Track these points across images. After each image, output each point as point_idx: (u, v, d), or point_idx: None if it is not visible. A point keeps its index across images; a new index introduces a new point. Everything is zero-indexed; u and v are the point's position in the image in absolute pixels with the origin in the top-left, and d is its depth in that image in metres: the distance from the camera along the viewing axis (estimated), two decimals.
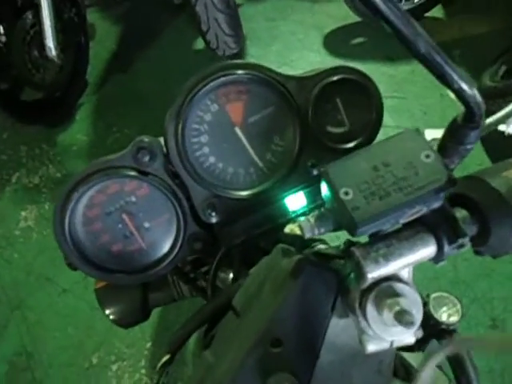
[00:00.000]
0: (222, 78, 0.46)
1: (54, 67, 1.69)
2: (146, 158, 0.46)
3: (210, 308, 0.41)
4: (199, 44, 2.11)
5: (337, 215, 0.30)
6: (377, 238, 0.30)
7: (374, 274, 0.28)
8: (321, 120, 0.48)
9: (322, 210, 0.32)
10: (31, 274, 1.48)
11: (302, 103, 0.48)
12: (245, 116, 0.49)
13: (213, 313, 0.40)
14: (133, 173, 0.46)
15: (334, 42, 2.14)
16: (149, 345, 1.33)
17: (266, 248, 0.50)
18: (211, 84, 0.46)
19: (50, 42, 1.54)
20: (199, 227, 0.50)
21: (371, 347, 0.30)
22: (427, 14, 2.15)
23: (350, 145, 0.49)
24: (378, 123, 0.49)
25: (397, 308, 0.27)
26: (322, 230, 0.31)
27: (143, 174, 0.47)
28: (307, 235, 0.31)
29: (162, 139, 0.48)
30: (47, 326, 1.38)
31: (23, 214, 1.62)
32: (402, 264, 0.29)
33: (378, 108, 0.48)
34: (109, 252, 0.48)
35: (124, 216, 0.47)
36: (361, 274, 0.28)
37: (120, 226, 0.48)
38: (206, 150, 0.49)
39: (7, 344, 1.36)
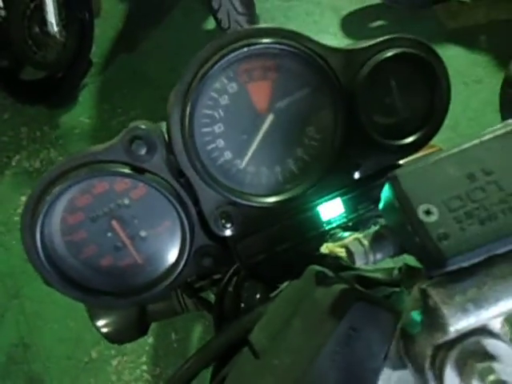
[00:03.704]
0: (245, 49, 0.36)
1: (56, 45, 1.59)
2: (142, 151, 0.36)
3: (220, 343, 0.32)
4: (209, 24, 2.00)
5: (406, 239, 0.22)
6: (457, 273, 0.21)
7: (458, 326, 0.20)
8: (369, 107, 0.38)
9: (380, 228, 0.23)
10: (29, 262, 1.42)
11: (347, 84, 0.37)
12: (272, 99, 0.39)
13: (223, 349, 0.32)
14: (126, 169, 0.37)
15: (352, 24, 2.03)
16: (151, 340, 1.27)
17: (289, 262, 0.40)
18: (230, 56, 0.36)
19: (51, 16, 1.44)
20: (209, 239, 0.41)
21: None
22: None
23: (405, 141, 0.39)
24: (442, 113, 0.39)
25: (491, 378, 0.19)
26: (379, 257, 0.23)
27: (139, 170, 0.37)
28: (358, 262, 0.23)
29: (163, 125, 0.39)
30: (45, 317, 1.33)
31: (23, 199, 1.56)
32: (499, 312, 0.20)
33: (443, 93, 0.38)
34: (95, 268, 0.40)
35: (114, 223, 0.38)
36: (438, 325, 0.20)
37: (109, 234, 0.39)
38: (220, 142, 0.39)
39: (4, 334, 1.31)
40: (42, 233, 0.37)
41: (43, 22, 1.46)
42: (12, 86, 1.59)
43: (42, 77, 1.70)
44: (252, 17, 1.72)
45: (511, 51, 1.73)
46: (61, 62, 1.67)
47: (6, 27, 1.50)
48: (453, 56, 1.86)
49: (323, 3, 2.09)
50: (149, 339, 1.27)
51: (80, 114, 1.78)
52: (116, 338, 0.46)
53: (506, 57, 1.74)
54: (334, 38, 1.94)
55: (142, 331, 0.48)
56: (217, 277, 0.48)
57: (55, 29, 1.47)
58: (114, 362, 1.25)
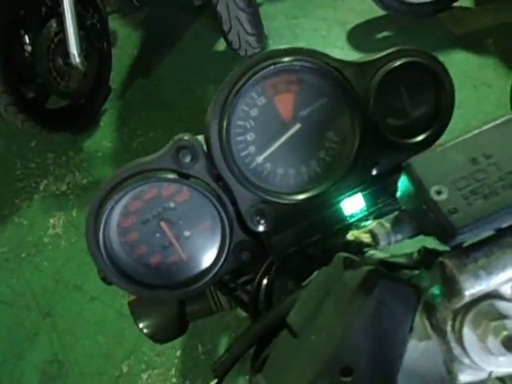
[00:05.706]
0: (271, 67, 0.41)
1: (78, 74, 1.69)
2: (188, 159, 0.42)
3: (261, 326, 0.36)
4: (219, 46, 2.09)
5: (421, 219, 0.25)
6: (469, 246, 0.24)
7: (472, 290, 0.23)
8: (382, 111, 0.43)
9: (399, 212, 0.27)
10: (60, 282, 1.48)
11: (361, 92, 0.42)
12: (295, 109, 0.44)
13: (264, 332, 0.36)
14: (173, 175, 0.42)
15: (358, 37, 2.08)
16: (179, 353, 1.30)
17: (316, 257, 0.44)
18: (259, 74, 0.41)
19: (73, 49, 1.54)
20: (246, 235, 0.45)
21: (464, 378, 0.25)
22: (456, 4, 2.05)
23: (417, 139, 0.43)
24: (448, 114, 0.43)
25: (504, 333, 0.22)
26: (399, 237, 0.26)
27: (184, 176, 0.43)
28: (382, 243, 0.26)
29: (200, 137, 0.44)
30: (77, 334, 1.37)
31: (51, 221, 1.63)
32: (507, 277, 0.23)
33: (448, 96, 0.42)
34: (146, 265, 0.44)
35: (162, 224, 0.43)
36: (455, 291, 0.23)
37: (158, 235, 0.44)
38: (252, 149, 0.44)
39: (39, 352, 1.36)
40: (103, 234, 0.42)
41: (66, 54, 1.56)
42: (38, 114, 1.68)
43: (65, 105, 1.79)
44: (261, 37, 1.79)
45: None
46: (82, 90, 1.77)
47: (32, 61, 1.61)
48: (461, 60, 1.89)
49: (329, 18, 2.16)
50: (177, 352, 1.30)
51: (102, 138, 1.86)
52: (158, 336, 0.50)
53: None
54: (341, 51, 2.00)
55: (182, 330, 0.52)
56: (244, 279, 0.52)
57: (77, 60, 1.56)
58: (145, 376, 1.29)
